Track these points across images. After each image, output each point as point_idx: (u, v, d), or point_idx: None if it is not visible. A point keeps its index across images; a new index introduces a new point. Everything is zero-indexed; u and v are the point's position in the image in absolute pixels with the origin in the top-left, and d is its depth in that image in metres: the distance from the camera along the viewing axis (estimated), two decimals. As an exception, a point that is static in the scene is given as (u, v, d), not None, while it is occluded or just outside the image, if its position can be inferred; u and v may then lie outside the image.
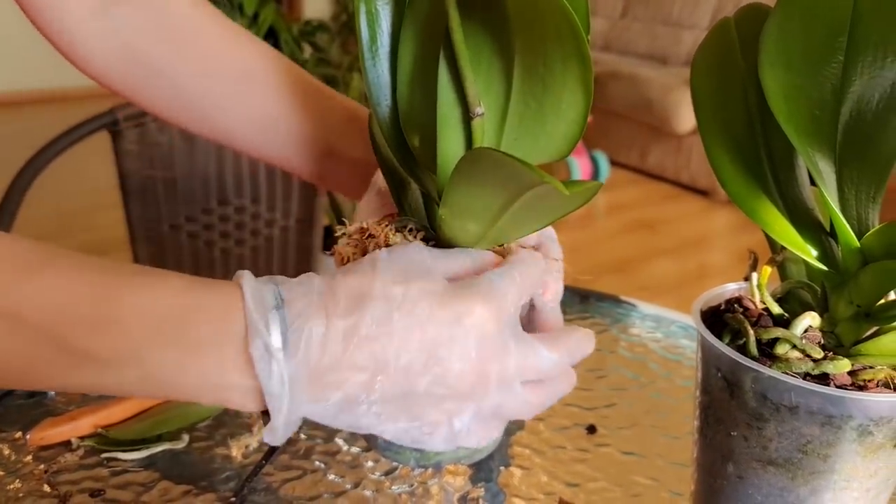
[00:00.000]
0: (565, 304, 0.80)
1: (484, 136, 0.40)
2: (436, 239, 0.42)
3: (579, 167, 3.44)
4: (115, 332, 0.33)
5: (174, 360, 0.34)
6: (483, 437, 0.38)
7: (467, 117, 0.39)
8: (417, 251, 0.38)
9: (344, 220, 0.46)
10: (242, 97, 0.54)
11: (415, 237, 0.42)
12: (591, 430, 0.60)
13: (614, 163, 3.82)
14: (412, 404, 0.36)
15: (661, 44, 4.04)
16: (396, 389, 0.35)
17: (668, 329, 0.76)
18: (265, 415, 0.35)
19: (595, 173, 3.54)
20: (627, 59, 4.15)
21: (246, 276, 0.35)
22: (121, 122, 1.15)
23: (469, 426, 0.37)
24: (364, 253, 0.41)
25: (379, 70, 0.42)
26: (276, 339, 0.34)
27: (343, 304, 0.35)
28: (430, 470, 0.55)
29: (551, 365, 0.38)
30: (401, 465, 0.55)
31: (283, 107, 0.54)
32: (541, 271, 0.40)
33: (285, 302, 0.35)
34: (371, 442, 0.48)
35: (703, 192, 3.51)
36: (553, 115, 0.39)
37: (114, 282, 0.34)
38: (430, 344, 0.35)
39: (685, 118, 3.50)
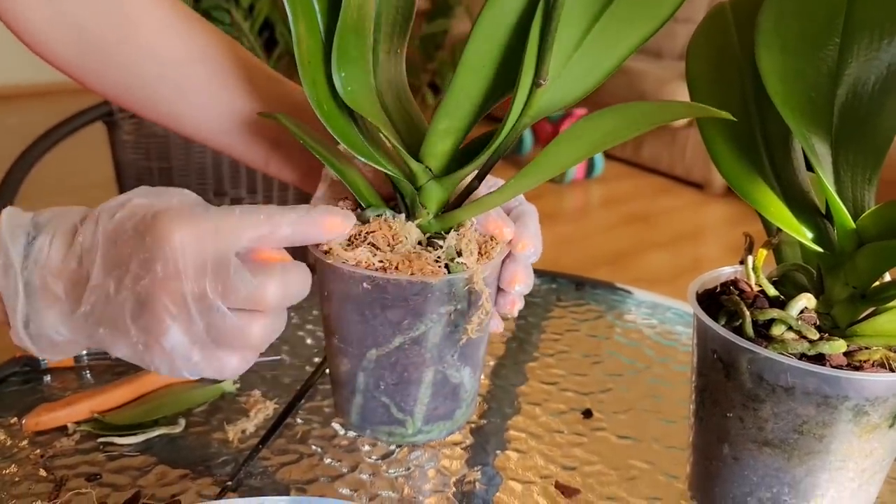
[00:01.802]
0: (561, 292, 0.80)
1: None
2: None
3: (574, 160, 3.44)
4: None
5: None
6: (215, 367, 0.40)
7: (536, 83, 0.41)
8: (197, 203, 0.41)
9: None
10: (190, 81, 0.54)
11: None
12: (588, 414, 0.61)
13: (609, 156, 3.82)
14: (116, 317, 0.38)
15: (656, 37, 4.03)
16: (101, 301, 0.38)
17: (664, 315, 0.76)
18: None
19: (590, 166, 3.54)
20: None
21: (9, 207, 0.40)
22: (116, 112, 1.15)
23: (192, 350, 0.38)
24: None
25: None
26: (16, 253, 0.38)
27: (70, 225, 0.39)
28: (425, 454, 0.55)
29: (253, 290, 0.38)
30: (397, 449, 0.55)
31: (231, 91, 0.54)
32: (290, 228, 0.40)
33: (34, 224, 0.39)
34: (346, 420, 0.48)
35: (697, 185, 3.51)
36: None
37: None
38: (124, 261, 0.37)
39: (680, 112, 3.49)
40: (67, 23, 0.53)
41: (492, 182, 0.48)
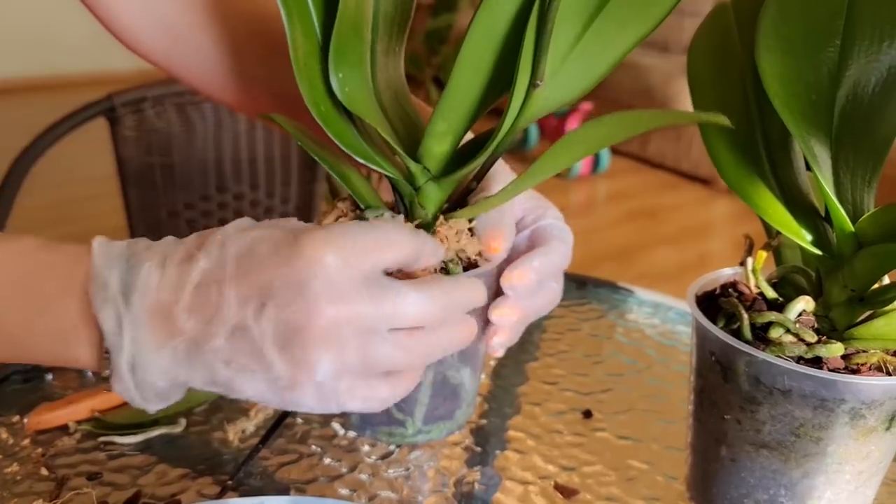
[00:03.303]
0: (563, 291, 0.80)
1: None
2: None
3: (580, 155, 3.43)
4: None
5: (23, 321, 0.34)
6: (367, 397, 0.36)
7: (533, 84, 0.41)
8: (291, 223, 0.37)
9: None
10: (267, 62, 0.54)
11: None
12: (588, 414, 0.61)
13: (615, 151, 3.81)
14: (255, 350, 0.34)
15: (663, 31, 4.02)
16: (235, 334, 0.33)
17: (666, 315, 0.76)
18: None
19: (596, 162, 3.54)
20: (628, 46, 4.13)
21: (99, 237, 0.36)
22: (118, 108, 1.15)
23: (340, 381, 0.34)
24: None
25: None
26: (114, 283, 0.33)
27: (183, 250, 0.35)
28: (424, 454, 0.55)
29: (420, 307, 0.35)
30: (397, 449, 0.55)
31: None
32: (409, 240, 0.37)
33: (131, 253, 0.35)
34: (346, 420, 0.48)
35: (703, 181, 3.50)
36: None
37: None
38: (266, 286, 0.33)
39: (686, 106, 3.48)
40: (156, 18, 0.54)
41: (506, 175, 0.47)
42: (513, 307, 0.43)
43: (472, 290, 0.39)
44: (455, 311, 0.38)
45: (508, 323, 0.43)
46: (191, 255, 0.35)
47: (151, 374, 0.34)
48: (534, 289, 0.43)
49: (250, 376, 0.34)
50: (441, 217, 0.45)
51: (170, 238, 0.37)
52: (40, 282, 0.35)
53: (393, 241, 0.36)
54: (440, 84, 3.34)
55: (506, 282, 0.43)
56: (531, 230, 0.47)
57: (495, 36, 0.42)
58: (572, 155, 0.41)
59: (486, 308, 0.44)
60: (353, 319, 0.34)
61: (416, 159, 0.44)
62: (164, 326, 0.34)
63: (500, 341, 0.43)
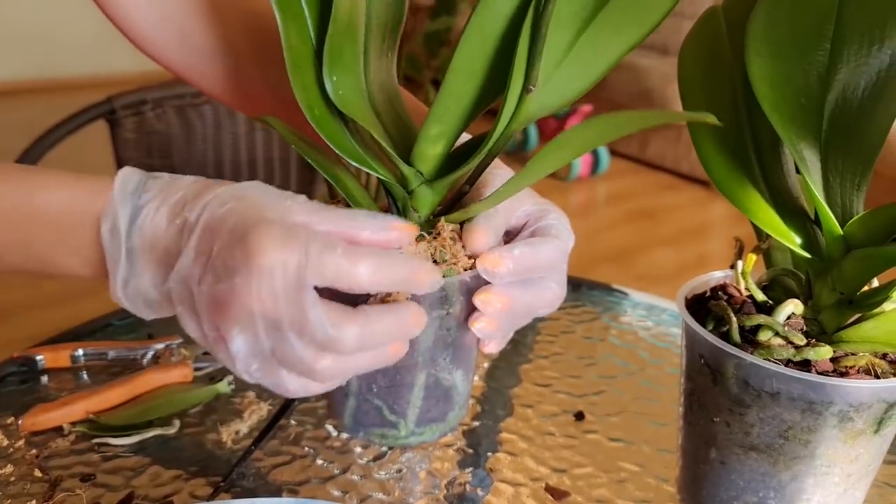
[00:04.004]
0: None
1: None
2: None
3: (579, 157, 3.44)
4: (2, 223, 0.40)
5: (52, 242, 0.40)
6: (277, 384, 0.38)
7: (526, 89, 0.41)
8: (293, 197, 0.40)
9: None
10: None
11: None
12: (580, 416, 0.61)
13: (614, 153, 3.81)
14: (193, 304, 0.38)
15: (662, 33, 4.02)
16: (183, 284, 0.38)
17: (659, 317, 0.76)
18: None
19: (595, 164, 3.54)
20: (628, 48, 4.13)
21: (123, 170, 0.40)
22: (118, 110, 1.15)
23: (253, 361, 0.37)
24: None
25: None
26: (123, 217, 0.39)
27: (180, 198, 0.39)
28: (416, 456, 0.55)
29: (329, 335, 0.36)
30: (389, 451, 0.56)
31: None
32: (357, 270, 0.37)
33: (144, 191, 0.40)
34: (339, 422, 0.48)
35: (702, 182, 3.50)
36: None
37: (1, 173, 0.41)
38: (213, 256, 0.37)
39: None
40: (164, 16, 0.54)
41: (504, 176, 0.46)
42: (496, 294, 0.41)
43: (390, 332, 0.39)
44: (377, 340, 0.38)
45: (493, 311, 0.42)
46: (183, 203, 0.39)
47: (140, 292, 0.40)
48: (520, 280, 0.42)
49: (192, 322, 0.38)
50: (441, 220, 0.45)
51: (186, 179, 0.41)
52: (67, 213, 0.40)
53: (337, 265, 0.37)
54: (439, 86, 3.33)
55: (479, 264, 0.42)
56: (530, 231, 0.46)
57: (490, 40, 0.43)
58: (564, 156, 0.41)
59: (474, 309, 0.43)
60: (269, 322, 0.36)
61: (409, 162, 0.44)
62: (149, 257, 0.39)
63: (480, 327, 0.42)
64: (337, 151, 0.43)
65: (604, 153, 3.55)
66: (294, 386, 0.38)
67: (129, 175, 0.40)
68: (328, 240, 0.37)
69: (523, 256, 0.42)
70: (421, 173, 0.45)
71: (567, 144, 0.41)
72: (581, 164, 3.45)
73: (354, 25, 0.43)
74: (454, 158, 0.46)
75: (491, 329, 0.43)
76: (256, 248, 0.36)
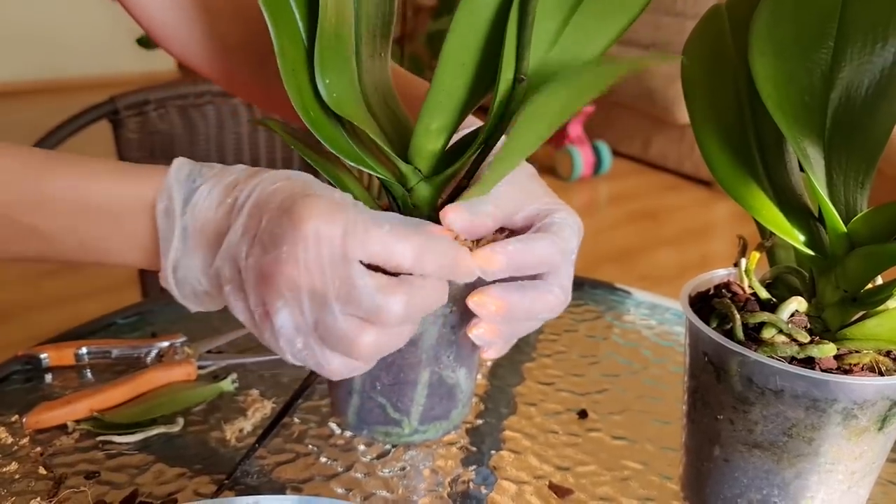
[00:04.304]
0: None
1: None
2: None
3: (582, 157, 3.44)
4: (52, 208, 0.40)
5: (103, 227, 0.40)
6: (319, 363, 0.38)
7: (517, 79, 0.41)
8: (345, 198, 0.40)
9: None
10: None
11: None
12: (583, 415, 0.61)
13: (617, 153, 3.81)
14: (240, 280, 0.38)
15: (665, 34, 4.02)
16: (231, 261, 0.38)
17: (663, 316, 0.76)
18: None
19: (598, 164, 3.54)
20: (631, 49, 4.14)
21: (179, 159, 0.41)
22: (121, 110, 1.16)
23: (297, 337, 0.37)
24: None
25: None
26: (178, 198, 0.39)
27: (232, 180, 0.39)
28: (420, 453, 0.56)
29: (375, 305, 0.36)
30: (393, 449, 0.56)
31: None
32: (400, 247, 0.38)
33: (198, 174, 0.40)
34: (343, 419, 0.48)
35: (705, 182, 3.50)
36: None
37: (52, 163, 0.41)
38: (261, 231, 0.37)
39: (688, 108, 3.48)
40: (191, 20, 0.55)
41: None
42: (491, 297, 0.40)
43: (432, 300, 0.39)
44: (417, 312, 0.38)
45: (488, 314, 0.41)
46: (235, 184, 0.39)
47: (189, 276, 0.40)
48: (520, 282, 0.41)
49: (240, 301, 0.38)
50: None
51: (239, 166, 0.41)
52: (119, 198, 0.40)
53: (383, 241, 0.37)
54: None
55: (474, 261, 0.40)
56: (535, 229, 0.44)
57: (478, 32, 0.42)
58: (541, 129, 0.40)
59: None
60: (313, 292, 0.36)
61: (407, 160, 0.44)
62: (200, 238, 0.39)
63: (478, 333, 0.41)
64: (334, 152, 0.43)
65: (606, 153, 3.55)
66: (336, 364, 0.38)
67: (183, 162, 0.41)
68: (375, 215, 0.38)
69: (517, 252, 0.40)
70: (419, 170, 0.45)
71: (540, 115, 0.40)
72: (584, 165, 3.45)
73: (343, 28, 0.44)
74: (452, 154, 0.46)
75: (490, 336, 0.42)
76: (302, 216, 0.36)
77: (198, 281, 0.40)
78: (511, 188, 0.44)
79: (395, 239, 0.37)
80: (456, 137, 0.45)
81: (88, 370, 0.66)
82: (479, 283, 0.43)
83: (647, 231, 3.02)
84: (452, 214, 0.40)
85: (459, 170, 0.44)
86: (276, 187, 0.39)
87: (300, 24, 0.42)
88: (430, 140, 0.43)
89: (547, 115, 0.40)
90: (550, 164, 3.49)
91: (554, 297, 0.42)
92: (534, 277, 0.42)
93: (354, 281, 0.36)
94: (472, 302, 0.41)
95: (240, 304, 0.38)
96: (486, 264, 0.40)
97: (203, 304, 0.41)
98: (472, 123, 0.48)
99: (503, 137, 0.45)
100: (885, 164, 0.49)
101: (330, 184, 0.44)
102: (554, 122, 0.40)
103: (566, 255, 0.43)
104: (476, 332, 0.42)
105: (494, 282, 0.42)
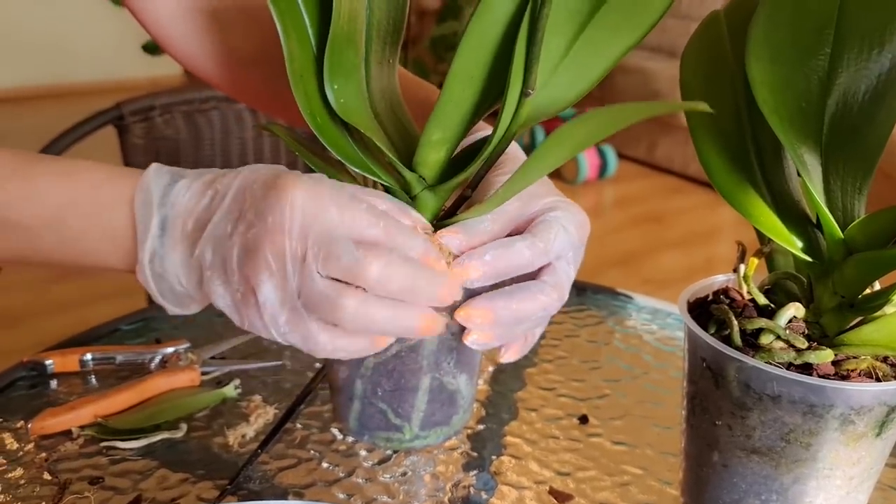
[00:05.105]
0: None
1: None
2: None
3: (587, 160, 3.44)
4: (31, 204, 0.41)
5: (84, 224, 0.41)
6: (306, 337, 0.39)
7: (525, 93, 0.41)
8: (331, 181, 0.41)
9: None
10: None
11: None
12: (584, 420, 0.61)
13: (622, 156, 3.81)
14: (224, 260, 0.38)
15: (671, 37, 4.02)
16: (215, 245, 0.39)
17: (664, 321, 0.77)
18: None
19: (603, 167, 3.54)
20: (636, 52, 4.14)
21: (156, 164, 0.41)
22: (126, 116, 1.16)
23: (282, 311, 0.38)
24: None
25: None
26: (156, 191, 0.40)
27: (211, 175, 0.40)
28: (421, 459, 0.56)
29: (354, 262, 0.37)
30: (394, 454, 0.56)
31: None
32: (376, 219, 0.39)
33: (177, 172, 0.41)
34: (344, 425, 0.49)
35: (710, 186, 3.49)
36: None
37: (33, 161, 0.42)
38: (244, 210, 0.38)
39: (693, 111, 3.48)
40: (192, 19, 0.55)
41: (508, 168, 0.46)
42: (476, 309, 0.40)
43: (409, 278, 0.39)
44: (398, 280, 0.38)
45: (476, 325, 0.41)
46: (214, 180, 0.40)
47: (167, 270, 0.40)
48: (497, 284, 0.41)
49: (222, 284, 0.39)
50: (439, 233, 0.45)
51: (214, 168, 0.42)
52: (99, 197, 0.41)
53: (360, 212, 0.39)
54: (446, 90, 3.35)
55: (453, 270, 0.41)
56: (527, 229, 0.44)
57: (488, 45, 0.43)
58: (563, 153, 0.41)
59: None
60: (296, 255, 0.37)
61: (412, 168, 0.45)
62: (180, 230, 0.39)
63: (473, 339, 0.42)
64: (339, 158, 0.43)
65: (611, 156, 3.54)
66: (323, 339, 0.39)
67: (160, 165, 0.41)
68: (354, 193, 0.39)
69: (494, 260, 0.41)
70: (423, 178, 0.45)
71: (565, 141, 0.41)
72: (589, 167, 3.45)
73: (354, 34, 0.44)
74: (456, 163, 0.46)
75: (485, 340, 0.42)
76: (287, 185, 0.38)
77: (176, 277, 0.40)
78: (513, 198, 0.44)
79: (374, 218, 0.39)
80: (462, 144, 0.46)
81: (93, 376, 0.66)
82: (485, 287, 0.43)
83: (653, 234, 3.02)
84: (447, 238, 0.41)
85: (464, 179, 0.44)
86: (257, 174, 0.40)
87: (310, 29, 0.42)
88: (435, 149, 0.44)
89: (571, 142, 0.41)
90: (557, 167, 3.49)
91: (546, 297, 0.42)
92: (533, 276, 0.43)
93: (335, 236, 0.37)
94: (459, 317, 0.41)
95: (220, 289, 0.39)
96: (465, 276, 0.40)
97: (181, 303, 0.41)
98: (481, 129, 0.48)
99: (509, 149, 0.46)
100: (885, 164, 0.49)
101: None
102: (576, 149, 0.41)
103: (550, 254, 0.42)
104: (471, 339, 0.42)
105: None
